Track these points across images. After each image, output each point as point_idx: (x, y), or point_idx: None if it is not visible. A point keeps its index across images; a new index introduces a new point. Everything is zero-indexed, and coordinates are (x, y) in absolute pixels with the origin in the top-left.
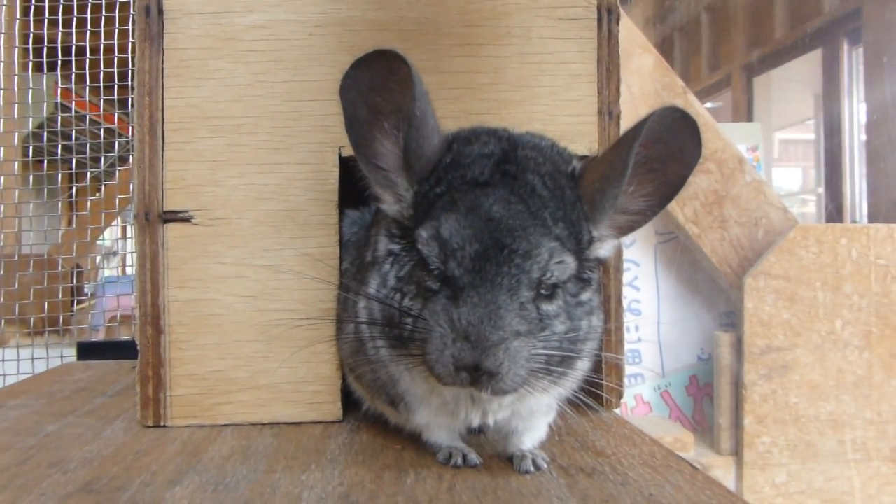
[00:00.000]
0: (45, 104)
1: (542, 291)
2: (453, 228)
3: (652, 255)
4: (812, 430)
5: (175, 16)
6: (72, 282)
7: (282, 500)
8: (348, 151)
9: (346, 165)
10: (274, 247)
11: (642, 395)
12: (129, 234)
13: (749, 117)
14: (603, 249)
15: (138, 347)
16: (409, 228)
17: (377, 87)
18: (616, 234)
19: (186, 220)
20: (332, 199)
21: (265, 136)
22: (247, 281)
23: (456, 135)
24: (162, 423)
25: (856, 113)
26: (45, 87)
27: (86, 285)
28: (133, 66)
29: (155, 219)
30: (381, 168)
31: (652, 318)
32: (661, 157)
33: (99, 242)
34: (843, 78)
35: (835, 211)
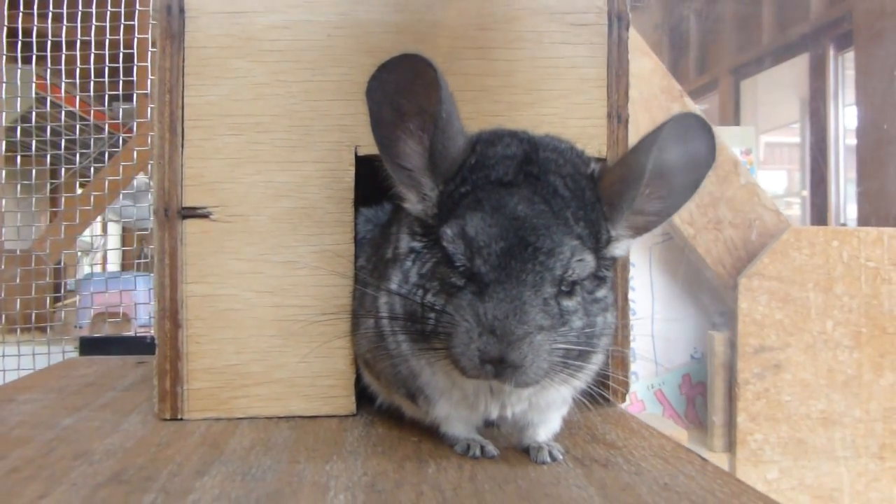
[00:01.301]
0: (26, 98)
1: (563, 288)
2: (479, 227)
3: (647, 255)
4: (803, 428)
5: (195, 15)
6: (58, 277)
7: (310, 488)
8: (364, 150)
9: (361, 164)
10: (291, 243)
11: (636, 394)
12: (109, 231)
13: (736, 120)
14: (619, 248)
15: (156, 342)
16: (433, 227)
17: (403, 89)
18: (632, 233)
19: (205, 216)
20: (348, 197)
21: (283, 135)
22: (264, 277)
23: (478, 136)
24: (179, 417)
25: (842, 117)
26: (31, 81)
27: (68, 281)
28: (123, 61)
29: (174, 215)
30: (405, 168)
31: (646, 317)
32: (677, 161)
33: (83, 238)
34: (829, 82)
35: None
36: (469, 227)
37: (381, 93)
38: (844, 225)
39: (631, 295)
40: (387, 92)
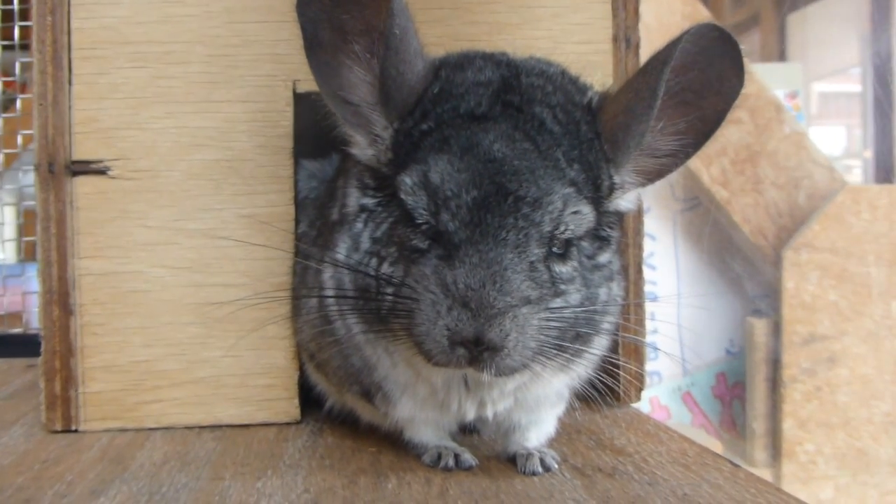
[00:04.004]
0: None
1: (555, 249)
2: (445, 172)
3: (671, 225)
4: (864, 436)
5: None
6: None
7: None
8: (305, 86)
9: (303, 105)
10: (212, 206)
11: (659, 399)
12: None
13: (780, 60)
14: (625, 200)
15: (41, 333)
16: (388, 176)
17: (343, 1)
18: (641, 180)
19: (101, 172)
20: (286, 147)
21: (200, 67)
22: (178, 249)
23: (444, 60)
24: (73, 428)
25: None
26: None
27: None
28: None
29: (61, 171)
30: (350, 102)
31: (670, 299)
32: (696, 86)
33: None
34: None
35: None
36: (433, 174)
37: (315, 6)
38: None
39: (651, 275)
40: (323, 4)
